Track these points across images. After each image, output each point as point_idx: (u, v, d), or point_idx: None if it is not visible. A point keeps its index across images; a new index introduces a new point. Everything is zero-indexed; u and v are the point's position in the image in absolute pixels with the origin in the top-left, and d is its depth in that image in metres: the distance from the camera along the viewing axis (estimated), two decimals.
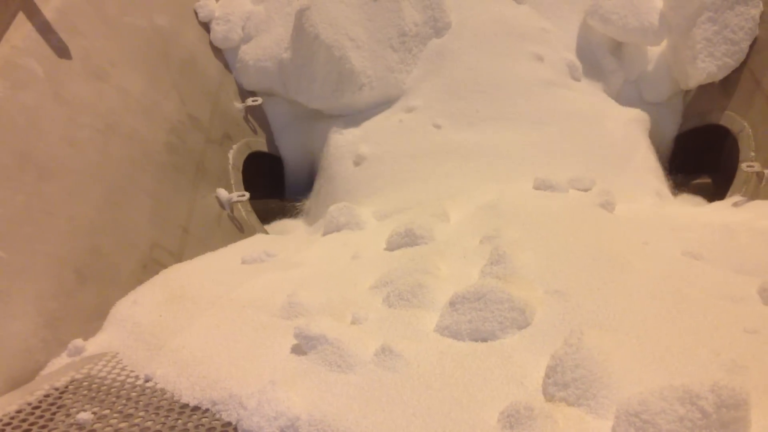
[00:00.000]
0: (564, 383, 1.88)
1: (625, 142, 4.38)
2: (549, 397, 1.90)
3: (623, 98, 5.00)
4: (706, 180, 4.99)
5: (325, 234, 4.00)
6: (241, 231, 4.66)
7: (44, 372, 2.75)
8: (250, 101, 5.54)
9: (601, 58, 5.04)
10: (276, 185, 5.83)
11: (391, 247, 3.31)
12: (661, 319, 2.23)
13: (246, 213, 4.83)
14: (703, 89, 5.00)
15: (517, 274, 2.58)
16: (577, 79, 4.93)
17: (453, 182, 4.07)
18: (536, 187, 3.73)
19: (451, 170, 4.23)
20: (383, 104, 5.12)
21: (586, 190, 3.68)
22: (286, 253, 3.71)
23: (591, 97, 4.78)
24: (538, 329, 2.28)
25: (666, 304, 2.32)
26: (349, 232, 3.86)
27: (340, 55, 4.97)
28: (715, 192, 4.70)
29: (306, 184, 5.62)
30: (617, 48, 5.12)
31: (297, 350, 2.43)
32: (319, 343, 2.34)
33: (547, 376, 1.97)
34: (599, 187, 3.64)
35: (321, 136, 5.31)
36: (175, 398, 2.34)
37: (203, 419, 2.21)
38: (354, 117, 5.15)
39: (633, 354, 2.00)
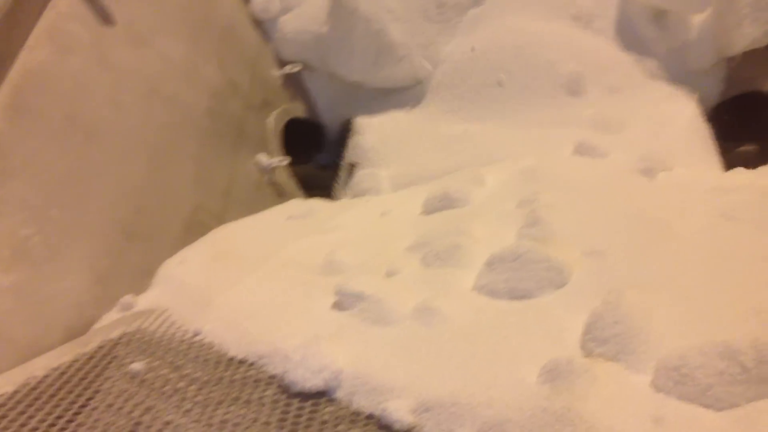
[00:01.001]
0: (603, 339, 1.90)
1: (668, 108, 4.31)
2: (587, 353, 1.93)
3: (666, 67, 4.91)
4: (750, 147, 4.91)
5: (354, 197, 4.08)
6: (281, 195, 4.73)
7: (97, 326, 2.85)
8: (288, 68, 5.58)
9: (642, 27, 4.94)
10: (316, 151, 5.90)
11: (427, 210, 3.34)
12: (701, 279, 2.23)
13: (286, 178, 4.90)
14: (748, 55, 4.87)
15: (553, 235, 2.59)
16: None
17: (490, 147, 4.07)
18: (577, 152, 3.71)
19: (487, 136, 4.22)
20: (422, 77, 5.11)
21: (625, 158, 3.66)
22: (324, 215, 3.77)
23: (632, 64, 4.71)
24: (575, 288, 2.29)
25: (706, 265, 2.32)
26: (386, 197, 3.90)
27: (379, 28, 4.95)
28: (760, 159, 4.61)
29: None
30: (659, 16, 5.01)
31: (338, 306, 2.50)
32: (358, 300, 2.41)
33: (585, 332, 1.99)
34: (640, 154, 3.60)
35: (361, 104, 5.33)
36: (222, 352, 2.43)
37: (250, 371, 2.28)
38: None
39: (673, 312, 2.02)
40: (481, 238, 2.83)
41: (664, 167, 3.50)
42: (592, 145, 3.70)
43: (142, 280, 3.15)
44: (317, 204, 4.43)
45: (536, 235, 2.61)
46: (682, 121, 4.30)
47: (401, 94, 5.17)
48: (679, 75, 4.73)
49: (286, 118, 5.33)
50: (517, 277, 2.35)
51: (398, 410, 1.85)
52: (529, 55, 4.57)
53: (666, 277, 2.26)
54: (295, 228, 3.67)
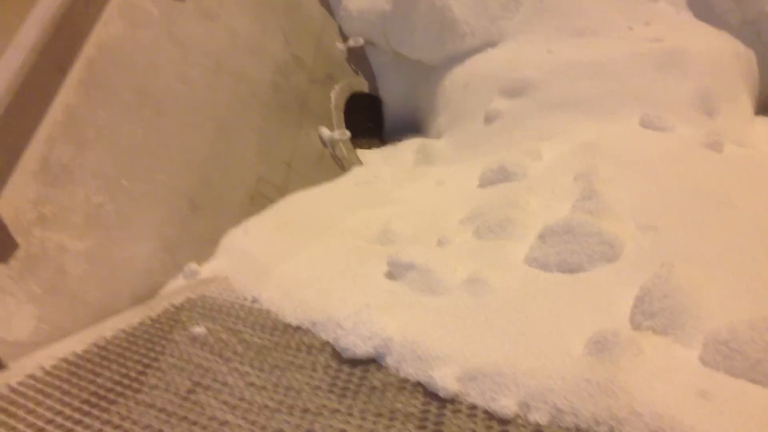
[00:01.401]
0: (651, 312, 1.90)
1: (734, 81, 4.15)
2: (636, 326, 1.93)
3: (739, 39, 4.71)
4: None
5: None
6: (342, 168, 4.80)
7: (163, 291, 2.99)
8: (351, 42, 5.62)
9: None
10: (378, 125, 5.94)
11: (483, 183, 3.35)
12: (756, 255, 2.17)
13: (347, 151, 4.96)
14: None
15: (608, 209, 2.56)
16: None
17: (552, 119, 4.01)
18: (642, 125, 3.63)
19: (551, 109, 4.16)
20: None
21: (692, 132, 3.56)
22: (386, 185, 3.83)
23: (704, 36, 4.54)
24: (627, 262, 2.28)
25: (765, 241, 2.26)
26: (444, 169, 3.92)
27: (442, 4, 4.93)
28: None
29: (405, 126, 5.69)
30: None
31: (390, 275, 2.57)
32: (409, 270, 2.47)
33: (635, 305, 1.98)
34: (708, 128, 3.50)
35: (425, 81, 5.33)
36: (279, 318, 2.52)
37: (304, 338, 2.37)
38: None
39: (725, 287, 1.99)
40: (535, 211, 2.83)
41: (731, 141, 3.40)
42: (657, 118, 3.61)
43: (205, 248, 3.27)
44: (381, 171, 4.48)
45: (591, 208, 2.60)
46: (745, 94, 4.14)
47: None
48: (753, 47, 4.54)
49: (349, 92, 5.37)
50: (569, 250, 2.36)
51: (444, 378, 1.90)
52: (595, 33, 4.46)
53: (720, 251, 2.21)
54: (358, 197, 3.75)
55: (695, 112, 3.76)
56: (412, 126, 5.65)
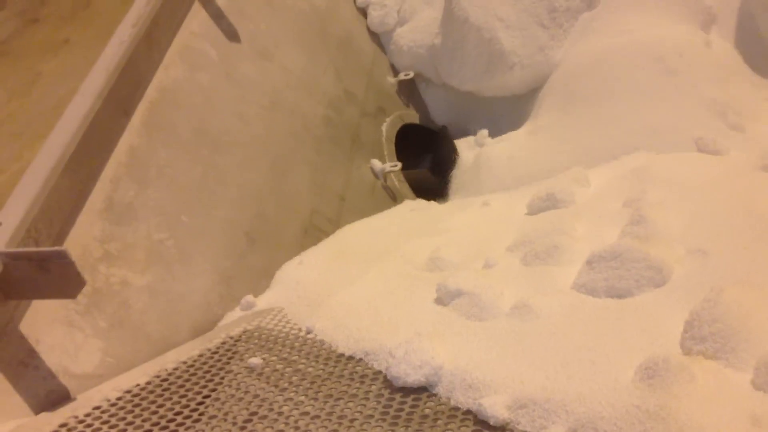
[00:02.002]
0: (701, 337, 1.88)
1: None
2: (686, 351, 1.91)
3: None
4: None
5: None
6: (394, 200, 4.86)
7: (221, 323, 3.08)
8: (402, 75, 5.73)
9: (764, 24, 4.64)
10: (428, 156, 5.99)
11: (532, 210, 3.36)
12: None
13: (398, 182, 5.03)
14: None
15: (657, 234, 2.55)
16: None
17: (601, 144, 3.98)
18: (698, 148, 3.58)
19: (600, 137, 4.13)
20: (534, 84, 5.06)
21: (746, 155, 3.50)
22: (438, 213, 3.89)
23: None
24: (676, 287, 2.26)
25: None
26: (493, 197, 3.95)
27: (490, 36, 4.97)
28: None
29: None
30: None
31: (439, 301, 2.63)
32: (458, 296, 2.52)
33: (684, 330, 1.97)
34: (762, 150, 3.43)
35: (474, 112, 5.38)
36: (332, 348, 2.57)
37: (357, 367, 2.41)
38: None
39: None
40: (583, 237, 2.83)
41: None
42: (712, 141, 3.56)
43: (261, 280, 3.37)
44: (432, 204, 4.54)
45: (639, 233, 2.59)
46: None
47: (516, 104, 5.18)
48: None
49: (400, 124, 5.46)
50: (617, 276, 2.35)
51: (494, 406, 1.90)
52: (642, 59, 4.41)
53: None
54: (412, 225, 3.81)
55: (749, 134, 3.70)
56: None
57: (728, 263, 2.28)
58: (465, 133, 5.63)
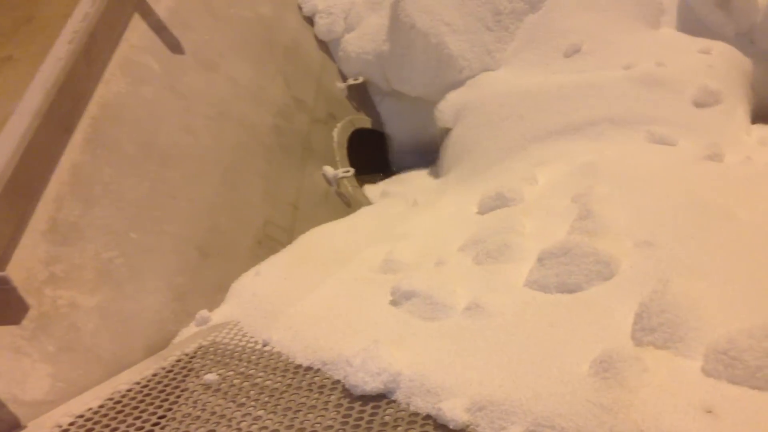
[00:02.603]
0: (651, 328, 1.91)
1: (730, 93, 4.17)
2: (637, 342, 1.94)
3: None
4: None
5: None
6: (348, 206, 4.84)
7: (175, 340, 3.02)
8: (351, 80, 5.72)
9: (708, 15, 4.77)
10: (382, 159, 6.00)
11: (482, 210, 3.39)
12: (754, 265, 2.17)
13: (352, 188, 5.01)
14: None
15: (605, 228, 2.59)
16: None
17: (551, 145, 4.04)
18: (649, 141, 3.66)
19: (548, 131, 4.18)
20: None
21: (693, 145, 3.57)
22: (392, 219, 3.90)
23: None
24: (623, 279, 2.29)
25: (765, 251, 2.26)
26: (447, 200, 3.98)
27: (437, 41, 4.99)
28: None
29: (411, 159, 5.75)
30: (724, 2, 4.84)
31: (394, 303, 2.65)
32: (412, 297, 2.54)
33: (635, 322, 2.00)
34: (707, 139, 3.51)
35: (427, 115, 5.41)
36: (290, 360, 2.54)
37: (315, 378, 2.38)
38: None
39: (722, 299, 1.99)
40: (532, 234, 2.87)
41: (732, 152, 3.41)
42: (661, 134, 3.65)
43: (216, 294, 3.31)
44: (390, 206, 4.54)
45: (587, 227, 2.63)
46: (743, 105, 4.15)
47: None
48: (749, 58, 4.55)
49: (351, 129, 5.45)
50: (567, 272, 2.38)
51: (453, 410, 1.90)
52: (591, 55, 4.49)
53: (719, 263, 2.21)
54: (370, 231, 3.82)
55: (696, 124, 3.78)
56: (419, 157, 5.70)
57: (674, 254, 2.32)
58: (417, 140, 5.66)
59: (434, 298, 2.48)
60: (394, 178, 5.56)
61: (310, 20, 5.95)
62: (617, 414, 1.63)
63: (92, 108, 3.23)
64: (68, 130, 3.06)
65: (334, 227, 4.09)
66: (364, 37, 5.75)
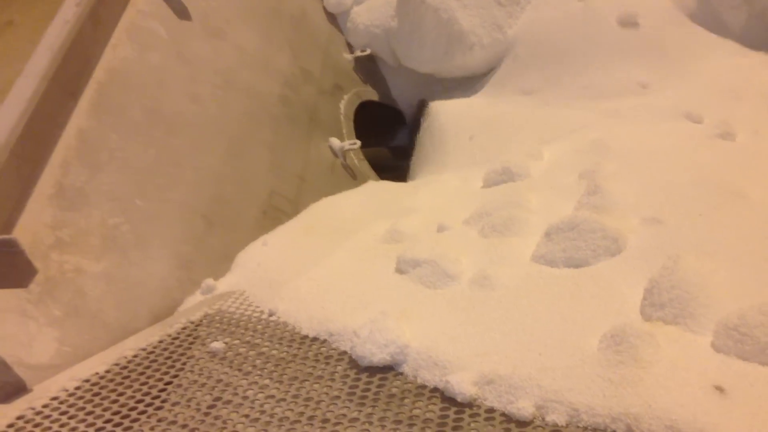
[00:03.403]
0: (660, 303, 1.91)
1: (751, 74, 4.13)
2: (646, 318, 1.94)
3: (749, 34, 4.66)
4: None
5: None
6: (354, 178, 4.83)
7: (181, 308, 3.02)
8: (359, 52, 5.66)
9: None
10: (388, 132, 5.97)
11: (487, 183, 3.38)
12: (764, 243, 2.17)
13: (358, 161, 4.99)
14: None
15: (613, 204, 2.59)
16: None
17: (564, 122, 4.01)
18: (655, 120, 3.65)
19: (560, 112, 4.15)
20: (495, 63, 5.04)
21: (705, 123, 3.55)
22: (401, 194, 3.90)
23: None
24: (630, 255, 2.30)
25: None
26: (451, 175, 3.96)
27: (448, 16, 4.93)
28: None
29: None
30: None
31: (399, 272, 2.67)
32: (417, 266, 2.58)
33: (644, 297, 2.01)
34: (718, 118, 3.49)
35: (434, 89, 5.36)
36: (296, 330, 2.54)
37: (321, 348, 2.38)
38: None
39: (733, 276, 1.99)
40: (538, 209, 2.87)
41: (745, 130, 3.38)
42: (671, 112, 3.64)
43: (221, 264, 3.31)
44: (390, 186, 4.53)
45: (595, 203, 2.63)
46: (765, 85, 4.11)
47: (474, 80, 5.16)
48: (762, 40, 4.50)
49: (358, 102, 5.41)
50: (574, 247, 2.39)
51: (461, 383, 1.90)
52: (600, 29, 4.43)
53: (727, 241, 2.21)
54: (379, 205, 3.81)
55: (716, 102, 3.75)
56: None
57: (683, 231, 2.32)
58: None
59: (439, 265, 2.51)
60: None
61: None
62: (629, 389, 1.63)
63: (99, 73, 3.19)
64: (74, 95, 3.03)
65: (341, 199, 4.08)
66: (372, 10, 5.69)
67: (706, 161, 2.87)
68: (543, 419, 1.73)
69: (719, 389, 1.57)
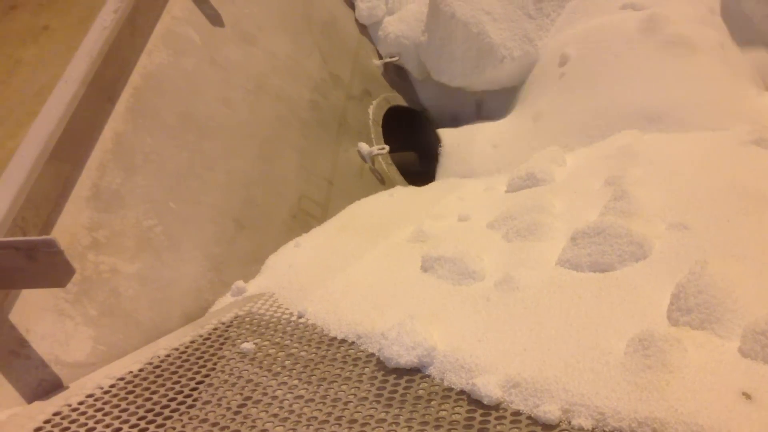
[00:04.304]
0: (687, 308, 1.92)
1: None
2: (673, 322, 1.95)
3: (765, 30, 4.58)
4: None
5: None
6: (382, 183, 4.86)
7: (212, 309, 3.07)
8: (388, 58, 5.71)
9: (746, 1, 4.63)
10: (416, 138, 5.99)
11: (512, 188, 3.40)
12: None
13: (386, 165, 5.02)
14: None
15: (639, 210, 2.59)
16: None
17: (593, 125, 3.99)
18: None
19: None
20: (525, 76, 5.05)
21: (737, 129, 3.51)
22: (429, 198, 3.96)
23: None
24: (656, 261, 2.31)
25: None
26: (476, 180, 4.01)
27: (478, 30, 4.94)
28: None
29: None
30: None
31: (424, 269, 2.76)
32: (441, 262, 2.66)
33: (671, 302, 2.02)
34: (753, 125, 3.45)
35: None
36: (324, 332, 2.58)
37: (349, 351, 2.41)
38: None
39: (761, 281, 1.99)
40: (562, 214, 2.89)
41: None
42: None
43: (251, 266, 3.36)
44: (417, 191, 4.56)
45: (621, 208, 2.64)
46: None
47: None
48: None
49: (387, 107, 5.44)
50: (600, 251, 2.41)
51: (487, 386, 1.92)
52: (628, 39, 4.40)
53: (756, 246, 2.20)
54: (410, 208, 3.85)
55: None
56: None
57: (710, 237, 2.32)
58: (455, 118, 5.64)
59: (462, 262, 2.58)
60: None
61: (351, 4, 5.96)
62: (654, 394, 1.63)
63: (135, 78, 3.27)
64: (111, 99, 3.10)
65: (372, 201, 4.13)
66: (404, 21, 5.74)
67: (736, 167, 2.85)
68: (569, 423, 1.74)
69: (746, 395, 1.57)
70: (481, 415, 1.89)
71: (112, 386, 2.34)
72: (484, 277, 2.53)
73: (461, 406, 1.96)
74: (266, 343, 2.59)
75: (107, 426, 2.12)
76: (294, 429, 2.02)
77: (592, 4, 4.79)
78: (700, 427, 1.50)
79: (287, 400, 2.18)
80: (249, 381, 2.34)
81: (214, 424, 2.10)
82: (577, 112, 4.09)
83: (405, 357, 2.15)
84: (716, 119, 3.57)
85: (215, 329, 2.75)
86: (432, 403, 2.01)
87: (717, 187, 2.65)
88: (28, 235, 2.43)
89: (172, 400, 2.26)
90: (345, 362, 2.35)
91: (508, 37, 4.94)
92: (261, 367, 2.42)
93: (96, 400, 2.26)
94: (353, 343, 2.45)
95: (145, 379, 2.39)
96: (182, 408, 2.21)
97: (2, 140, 3.11)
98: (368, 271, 2.87)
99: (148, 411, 2.19)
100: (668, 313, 2.00)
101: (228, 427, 2.07)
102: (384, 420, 1.98)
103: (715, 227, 2.37)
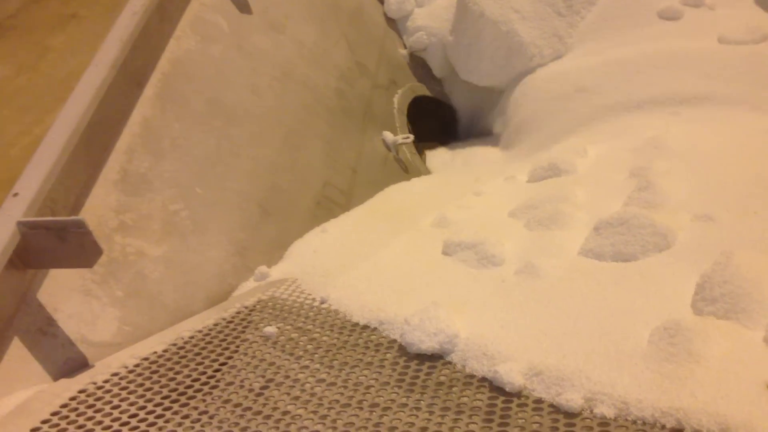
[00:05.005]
0: (712, 298, 1.90)
1: None
2: (698, 312, 1.93)
3: None
4: None
5: None
6: (406, 172, 4.86)
7: (235, 293, 3.10)
8: (414, 47, 5.70)
9: None
10: (441, 128, 5.99)
11: (533, 178, 3.38)
12: None
13: (411, 155, 5.02)
14: None
15: (664, 200, 2.58)
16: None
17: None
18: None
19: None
20: None
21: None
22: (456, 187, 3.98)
23: None
24: (679, 251, 2.28)
25: None
26: (498, 168, 4.02)
27: (507, 29, 4.91)
28: None
29: (472, 127, 5.73)
30: None
31: (446, 254, 2.80)
32: (463, 247, 2.69)
33: (695, 292, 1.99)
34: None
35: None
36: (347, 318, 2.59)
37: (372, 336, 2.42)
38: None
39: None
40: (584, 204, 2.87)
41: None
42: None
43: (275, 251, 3.38)
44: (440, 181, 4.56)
45: (646, 199, 2.63)
46: None
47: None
48: None
49: (412, 96, 5.44)
50: (623, 241, 2.40)
51: (510, 373, 1.91)
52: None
53: None
54: (430, 198, 3.86)
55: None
56: (481, 128, 5.68)
57: (736, 229, 2.29)
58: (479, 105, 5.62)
59: (483, 246, 2.62)
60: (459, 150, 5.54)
61: None
62: (678, 383, 1.62)
63: (163, 64, 3.30)
64: (140, 84, 3.14)
65: (400, 192, 4.14)
66: (432, 16, 5.75)
67: (761, 158, 2.81)
68: (591, 411, 1.73)
69: None
70: (503, 402, 1.89)
71: (137, 365, 2.37)
72: (503, 261, 2.55)
73: (483, 393, 1.96)
74: (288, 327, 2.61)
75: (132, 404, 2.15)
76: (315, 411, 2.03)
77: (625, 10, 4.71)
78: (723, 417, 1.48)
79: (309, 383, 2.20)
80: (271, 364, 2.36)
81: (237, 405, 2.12)
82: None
83: (427, 343, 2.16)
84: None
85: (238, 313, 2.78)
86: (453, 389, 2.01)
87: (744, 180, 2.61)
88: (57, 216, 2.47)
89: (196, 380, 2.28)
90: (367, 347, 2.36)
91: (538, 36, 4.91)
92: (283, 351, 2.43)
93: (121, 378, 2.30)
94: (375, 328, 2.46)
95: (169, 359, 2.42)
96: (205, 388, 2.23)
97: (30, 126, 3.16)
98: (392, 257, 2.88)
99: (172, 390, 2.22)
100: (693, 302, 1.98)
101: (250, 408, 2.09)
102: (405, 405, 1.98)
103: (742, 219, 2.34)
